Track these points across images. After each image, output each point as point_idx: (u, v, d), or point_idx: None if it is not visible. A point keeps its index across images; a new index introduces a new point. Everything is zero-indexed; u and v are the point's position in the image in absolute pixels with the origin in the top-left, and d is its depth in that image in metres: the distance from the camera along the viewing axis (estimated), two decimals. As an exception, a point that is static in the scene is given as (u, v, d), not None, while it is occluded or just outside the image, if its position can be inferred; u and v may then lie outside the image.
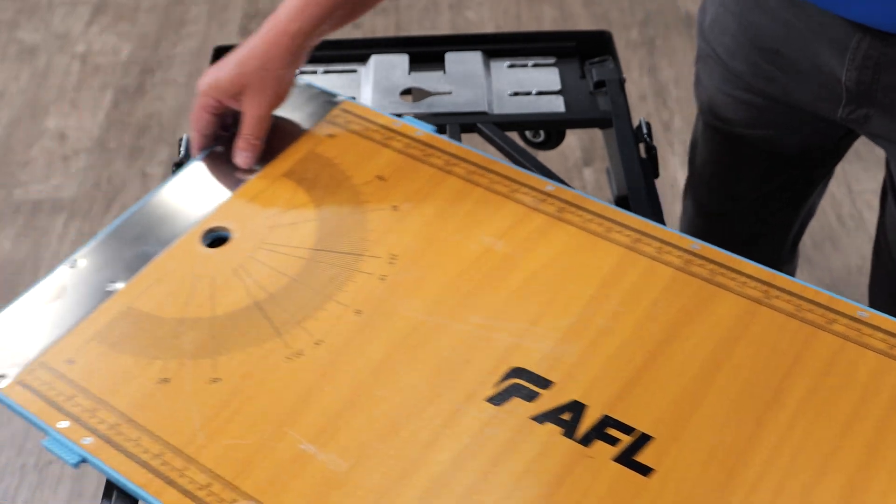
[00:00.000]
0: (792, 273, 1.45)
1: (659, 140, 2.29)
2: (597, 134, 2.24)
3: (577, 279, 0.91)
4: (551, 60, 1.32)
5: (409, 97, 1.25)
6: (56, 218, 2.18)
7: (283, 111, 1.08)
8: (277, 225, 0.98)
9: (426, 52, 1.32)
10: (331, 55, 1.31)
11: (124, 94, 2.48)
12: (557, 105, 1.25)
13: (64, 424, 0.83)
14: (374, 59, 1.30)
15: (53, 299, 0.93)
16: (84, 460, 0.81)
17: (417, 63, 1.30)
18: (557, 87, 1.27)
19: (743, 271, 0.90)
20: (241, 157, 1.04)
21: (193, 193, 1.02)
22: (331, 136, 1.06)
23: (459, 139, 1.13)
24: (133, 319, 0.90)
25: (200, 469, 0.79)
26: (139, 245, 0.97)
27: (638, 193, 1.09)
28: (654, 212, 1.06)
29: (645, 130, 1.18)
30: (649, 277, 0.90)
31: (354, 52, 1.32)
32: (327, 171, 1.02)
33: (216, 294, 0.92)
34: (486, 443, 0.79)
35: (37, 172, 2.28)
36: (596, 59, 1.29)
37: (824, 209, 2.17)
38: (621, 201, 1.11)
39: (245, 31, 2.67)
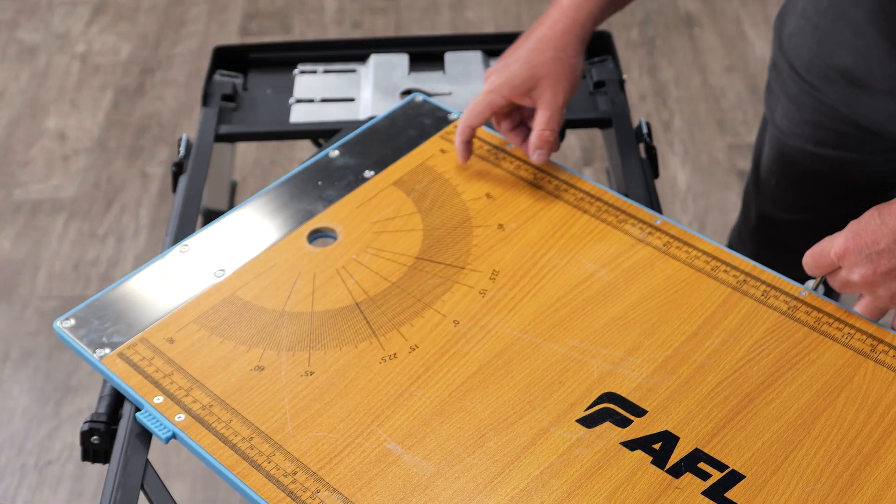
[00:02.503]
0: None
1: (659, 140, 2.25)
2: (597, 134, 2.20)
3: (679, 314, 0.90)
4: None
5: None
6: (56, 218, 2.16)
7: (398, 123, 1.10)
8: (383, 231, 0.99)
9: (426, 52, 1.31)
10: (331, 55, 1.32)
11: (124, 94, 2.46)
12: None
13: (159, 400, 0.84)
14: (374, 59, 1.30)
15: (160, 280, 0.95)
16: (174, 436, 0.82)
17: (417, 63, 1.30)
18: None
19: (850, 323, 0.88)
20: (539, 155, 1.00)
21: (306, 192, 1.03)
22: (443, 151, 1.07)
23: None
24: (235, 307, 0.92)
25: (287, 457, 0.80)
26: (248, 236, 0.99)
27: (638, 193, 1.07)
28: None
29: (645, 130, 1.17)
30: (753, 320, 0.89)
31: (354, 52, 1.32)
32: (437, 185, 1.03)
33: (317, 291, 0.93)
34: (574, 462, 0.78)
35: (37, 172, 2.26)
36: (596, 59, 1.29)
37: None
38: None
39: (245, 31, 2.64)
